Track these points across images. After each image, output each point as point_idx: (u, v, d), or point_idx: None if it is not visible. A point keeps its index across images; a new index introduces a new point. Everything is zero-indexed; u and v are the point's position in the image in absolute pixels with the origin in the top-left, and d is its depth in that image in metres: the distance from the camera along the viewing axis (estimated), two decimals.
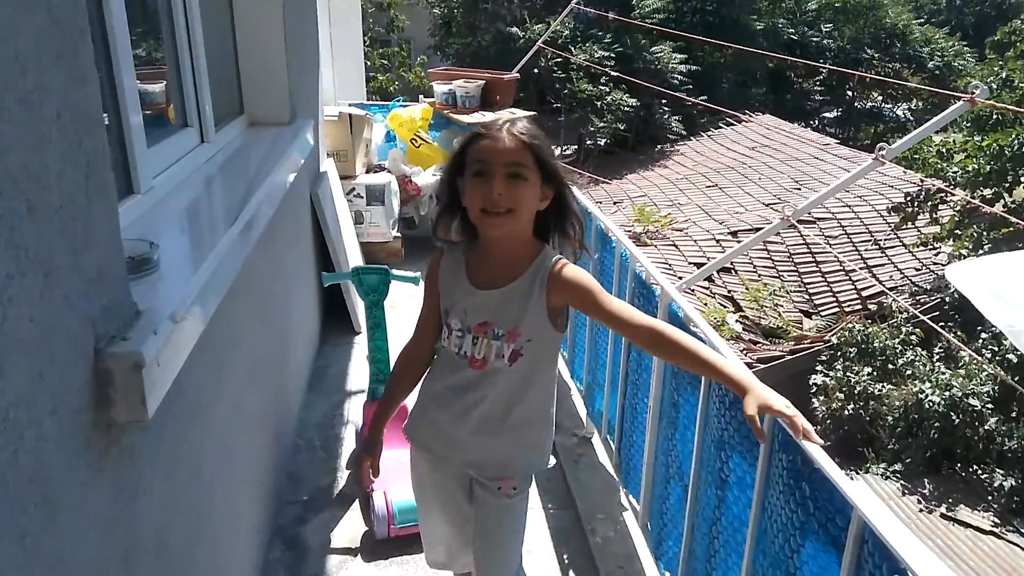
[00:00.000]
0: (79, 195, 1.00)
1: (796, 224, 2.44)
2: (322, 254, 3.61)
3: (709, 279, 10.11)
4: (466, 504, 1.64)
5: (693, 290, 9.17)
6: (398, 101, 5.57)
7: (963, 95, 2.10)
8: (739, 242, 10.89)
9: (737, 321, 9.51)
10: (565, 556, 2.31)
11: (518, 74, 5.39)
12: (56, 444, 0.92)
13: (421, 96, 5.66)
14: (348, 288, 3.69)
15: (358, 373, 3.32)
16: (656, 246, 10.26)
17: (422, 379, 1.63)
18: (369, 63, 12.29)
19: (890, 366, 8.30)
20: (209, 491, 1.69)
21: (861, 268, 10.65)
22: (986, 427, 7.43)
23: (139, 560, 1.20)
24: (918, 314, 7.08)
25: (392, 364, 2.61)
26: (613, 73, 9.38)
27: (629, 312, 1.47)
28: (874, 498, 1.18)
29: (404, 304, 3.84)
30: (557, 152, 15.00)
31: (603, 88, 13.80)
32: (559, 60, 13.61)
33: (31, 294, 0.87)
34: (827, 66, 15.22)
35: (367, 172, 4.61)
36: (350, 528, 2.37)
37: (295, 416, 2.90)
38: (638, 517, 2.28)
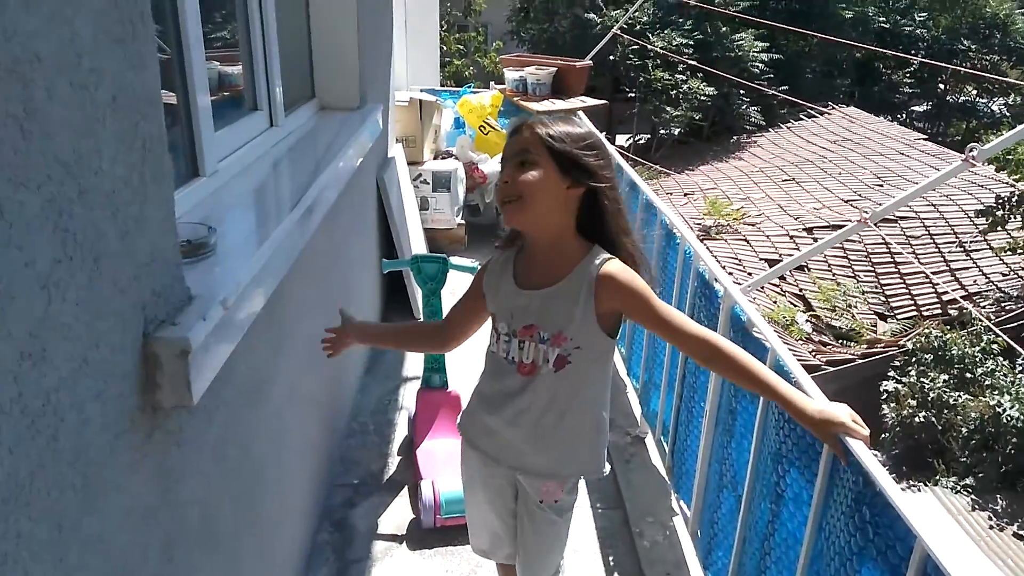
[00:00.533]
0: (133, 179, 1.01)
1: (874, 226, 2.31)
2: (386, 239, 3.64)
3: (780, 276, 9.82)
4: (513, 501, 1.62)
5: (763, 287, 8.92)
6: (469, 87, 5.56)
7: None
8: (815, 239, 10.55)
9: (807, 321, 9.22)
10: (611, 558, 2.27)
11: (591, 62, 5.31)
12: (99, 428, 0.94)
13: (492, 83, 5.64)
14: (409, 274, 3.71)
15: (414, 359, 3.33)
16: (726, 240, 10.02)
17: (477, 380, 1.59)
18: (445, 48, 12.33)
19: (968, 375, 7.91)
20: (259, 474, 1.72)
21: (942, 271, 10.17)
22: None
23: (182, 544, 1.22)
24: (992, 327, 6.68)
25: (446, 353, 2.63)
26: (690, 62, 9.14)
27: (683, 321, 1.40)
28: (939, 526, 1.10)
29: (463, 292, 3.85)
30: (627, 141, 14.77)
31: (680, 76, 13.48)
32: (635, 47, 13.38)
33: (79, 279, 0.88)
34: (918, 58, 14.48)
35: (435, 158, 4.62)
36: (397, 515, 2.39)
37: (350, 399, 2.93)
38: (688, 524, 2.22)
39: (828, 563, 1.35)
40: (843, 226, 11.07)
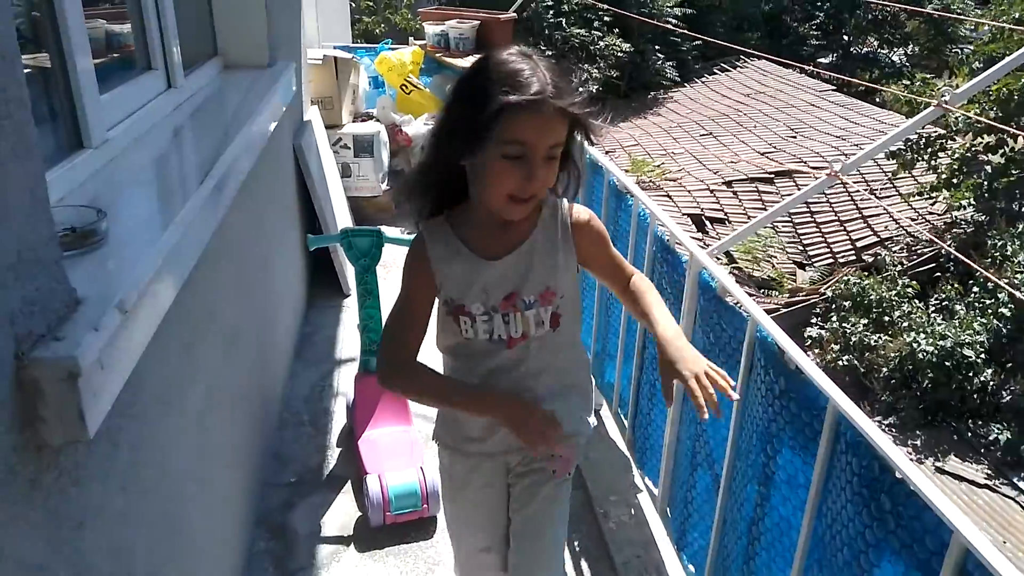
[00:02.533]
0: None
1: (844, 178, 2.21)
2: (307, 212, 3.35)
3: (703, 231, 9.92)
4: (507, 506, 1.45)
5: (680, 242, 8.96)
6: (386, 44, 5.23)
7: None
8: (734, 193, 10.69)
9: (730, 273, 9.36)
10: (576, 542, 2.14)
11: (515, 14, 5.06)
12: None
13: (411, 38, 5.32)
14: (336, 248, 3.44)
15: (348, 339, 3.09)
16: (650, 197, 10.01)
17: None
18: (354, 4, 11.77)
19: (886, 318, 8.20)
20: (180, 492, 1.49)
21: (855, 219, 10.47)
22: (981, 379, 7.36)
23: None
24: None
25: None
26: (608, 9, 8.93)
27: (626, 263, 1.39)
28: (974, 526, 0.98)
29: (398, 265, 3.59)
30: None
31: (596, 33, 13.33)
32: (549, 3, 13.11)
33: None
34: None
35: (354, 121, 4.31)
36: (342, 514, 2.18)
37: (280, 388, 2.68)
38: (656, 502, 2.11)
39: (835, 553, 1.23)
40: (768, 179, 11.14)
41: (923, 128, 9.81)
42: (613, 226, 2.40)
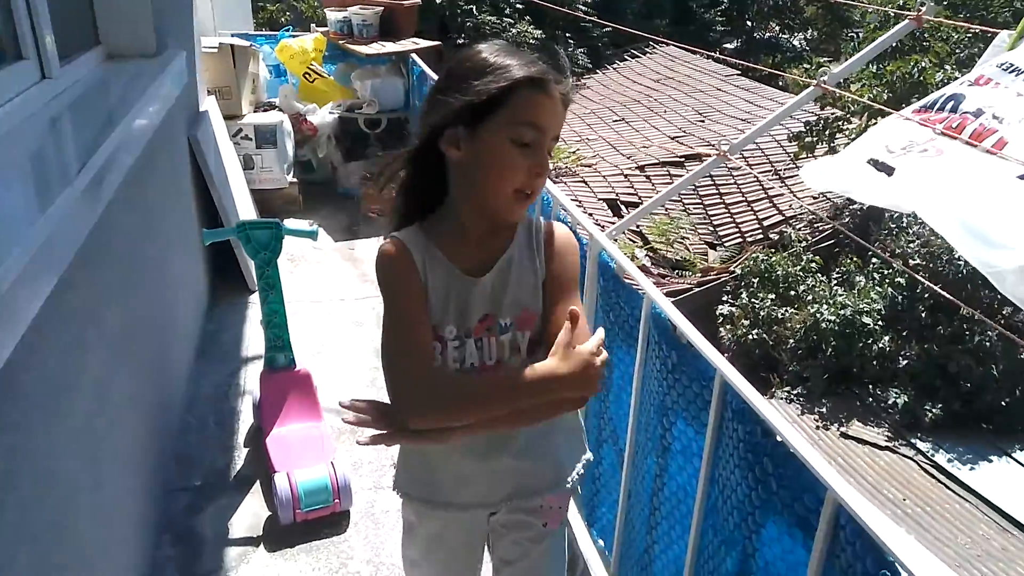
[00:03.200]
0: None
1: (732, 159, 2.29)
2: (207, 205, 3.24)
3: (618, 214, 10.11)
4: (480, 561, 1.36)
5: (602, 227, 9.13)
6: (287, 31, 5.09)
7: (909, 14, 1.97)
8: (647, 177, 10.94)
9: (646, 256, 9.57)
10: None
11: (419, 0, 5.01)
12: None
13: (313, 25, 5.20)
14: (238, 242, 3.34)
15: (255, 337, 3.01)
16: (566, 183, 10.15)
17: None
18: None
19: (792, 292, 8.56)
20: (69, 500, 1.42)
21: (761, 199, 10.87)
22: (879, 345, 7.77)
23: None
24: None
25: (288, 328, 2.36)
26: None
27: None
28: (847, 484, 1.03)
29: (307, 258, 3.52)
30: None
31: (508, 20, 13.36)
32: None
33: None
34: None
35: (255, 111, 4.19)
36: (250, 514, 2.13)
37: (182, 389, 2.59)
38: None
39: (726, 517, 1.28)
40: (678, 162, 11.44)
41: (823, 111, 10.28)
42: None
